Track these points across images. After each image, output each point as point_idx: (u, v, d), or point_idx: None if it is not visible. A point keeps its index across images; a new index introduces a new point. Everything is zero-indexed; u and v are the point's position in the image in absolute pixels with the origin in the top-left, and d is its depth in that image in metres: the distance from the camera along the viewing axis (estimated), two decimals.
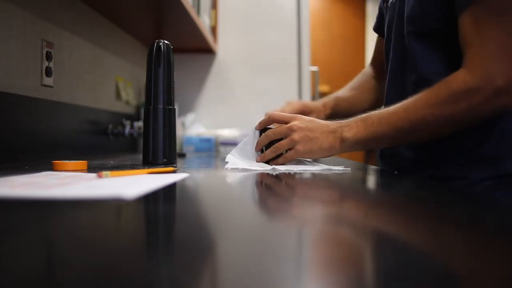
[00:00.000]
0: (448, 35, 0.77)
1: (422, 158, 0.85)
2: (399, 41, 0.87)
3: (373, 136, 0.77)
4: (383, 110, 0.78)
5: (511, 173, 0.77)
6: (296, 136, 0.79)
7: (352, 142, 0.77)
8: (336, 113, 1.06)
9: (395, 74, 0.90)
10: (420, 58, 0.81)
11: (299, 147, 0.79)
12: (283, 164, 0.82)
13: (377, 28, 1.07)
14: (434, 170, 0.82)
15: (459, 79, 0.72)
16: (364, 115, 0.79)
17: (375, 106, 1.01)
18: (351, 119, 0.80)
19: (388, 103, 0.83)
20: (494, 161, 0.78)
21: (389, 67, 0.92)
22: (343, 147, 0.79)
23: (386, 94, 0.92)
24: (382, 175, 0.83)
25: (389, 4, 0.93)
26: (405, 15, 0.83)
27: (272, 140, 0.83)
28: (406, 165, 0.87)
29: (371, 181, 0.76)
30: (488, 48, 0.71)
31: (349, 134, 0.78)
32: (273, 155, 0.83)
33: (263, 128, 0.87)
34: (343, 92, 1.12)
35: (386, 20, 0.94)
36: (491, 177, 0.77)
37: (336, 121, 0.81)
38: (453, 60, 0.76)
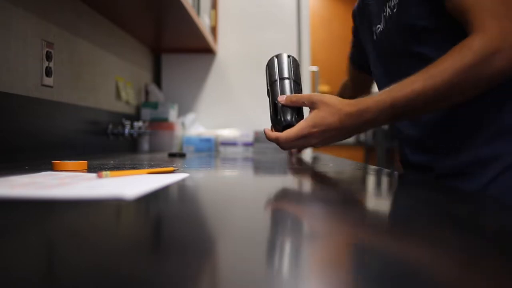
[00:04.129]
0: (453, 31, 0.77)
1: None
2: (402, 54, 0.86)
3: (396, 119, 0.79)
4: (408, 93, 0.73)
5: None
6: (313, 142, 0.81)
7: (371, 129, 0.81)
8: None
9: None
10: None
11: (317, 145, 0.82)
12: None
13: (356, 60, 1.19)
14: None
15: (476, 44, 0.69)
16: (390, 100, 0.75)
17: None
18: (375, 109, 0.75)
19: None
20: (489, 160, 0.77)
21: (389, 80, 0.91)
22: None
23: None
24: (381, 175, 0.83)
25: (377, 32, 0.93)
26: (405, 25, 0.83)
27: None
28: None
29: (373, 180, 0.76)
30: (498, 10, 0.70)
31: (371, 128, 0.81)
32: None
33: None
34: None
35: (377, 47, 0.95)
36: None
37: (356, 119, 0.77)
38: None
